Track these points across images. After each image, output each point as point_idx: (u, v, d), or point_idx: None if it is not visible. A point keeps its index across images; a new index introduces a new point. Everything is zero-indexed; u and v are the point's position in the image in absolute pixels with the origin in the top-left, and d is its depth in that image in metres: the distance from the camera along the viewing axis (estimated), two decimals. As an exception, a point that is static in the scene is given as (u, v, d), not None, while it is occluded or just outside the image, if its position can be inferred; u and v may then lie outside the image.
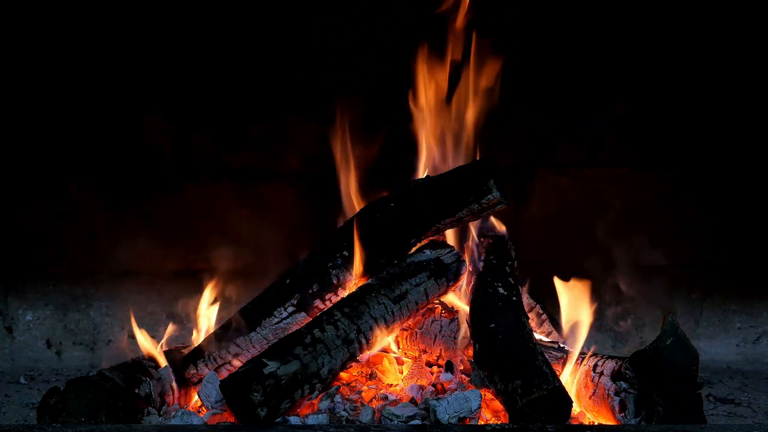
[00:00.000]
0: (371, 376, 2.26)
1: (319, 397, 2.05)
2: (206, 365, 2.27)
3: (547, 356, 2.07)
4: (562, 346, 2.31)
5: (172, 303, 3.28)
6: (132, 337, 3.25)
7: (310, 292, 2.27)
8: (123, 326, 3.30)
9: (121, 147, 3.25)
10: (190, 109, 3.24)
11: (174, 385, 2.22)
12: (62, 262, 3.27)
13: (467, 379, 2.20)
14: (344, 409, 2.05)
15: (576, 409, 2.12)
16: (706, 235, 3.33)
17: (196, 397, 2.24)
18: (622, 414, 1.97)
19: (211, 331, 2.40)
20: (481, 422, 1.99)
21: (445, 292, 2.35)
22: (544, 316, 2.56)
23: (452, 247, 2.36)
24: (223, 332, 2.31)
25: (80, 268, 3.29)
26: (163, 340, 2.43)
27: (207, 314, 2.51)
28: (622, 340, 3.35)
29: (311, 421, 1.96)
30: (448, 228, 2.35)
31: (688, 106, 3.26)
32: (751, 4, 3.14)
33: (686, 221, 3.31)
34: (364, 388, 2.19)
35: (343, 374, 2.19)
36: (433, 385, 2.20)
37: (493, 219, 2.54)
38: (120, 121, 3.23)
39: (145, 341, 2.32)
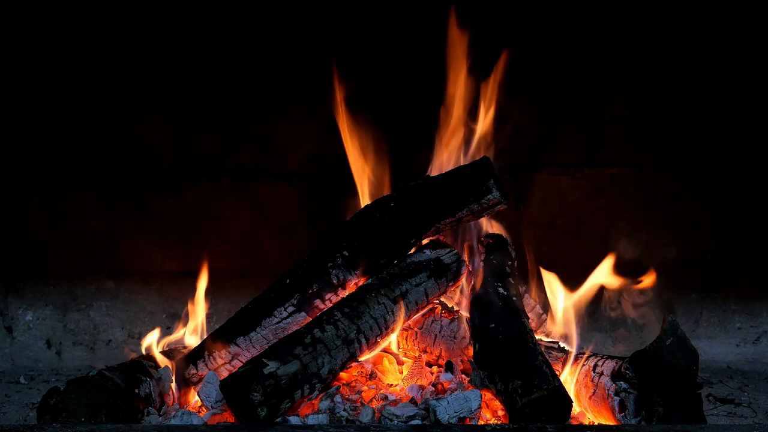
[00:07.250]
0: (371, 376, 2.26)
1: (319, 397, 2.05)
2: (206, 365, 2.27)
3: (547, 356, 2.07)
4: (562, 346, 2.31)
5: (172, 303, 3.28)
6: (132, 337, 3.27)
7: (310, 292, 2.27)
8: (123, 326, 3.30)
9: (121, 146, 3.25)
10: (189, 108, 3.24)
11: (174, 385, 2.22)
12: (62, 262, 3.28)
13: (467, 379, 2.19)
14: (344, 409, 2.04)
15: (576, 409, 2.12)
16: (706, 234, 3.33)
17: (196, 397, 2.24)
18: (622, 414, 1.97)
19: (211, 331, 2.40)
20: (481, 422, 1.99)
21: (445, 292, 2.35)
22: (544, 317, 2.56)
23: (452, 247, 2.36)
24: (223, 332, 2.31)
25: (80, 268, 3.29)
26: (163, 340, 2.43)
27: (206, 314, 2.51)
28: (622, 340, 3.35)
29: (311, 421, 1.96)
30: (448, 228, 2.34)
31: (687, 105, 3.26)
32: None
33: (686, 221, 3.31)
34: (364, 388, 2.18)
35: (343, 374, 2.18)
36: (433, 385, 2.20)
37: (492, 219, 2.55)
38: (120, 121, 3.24)
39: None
